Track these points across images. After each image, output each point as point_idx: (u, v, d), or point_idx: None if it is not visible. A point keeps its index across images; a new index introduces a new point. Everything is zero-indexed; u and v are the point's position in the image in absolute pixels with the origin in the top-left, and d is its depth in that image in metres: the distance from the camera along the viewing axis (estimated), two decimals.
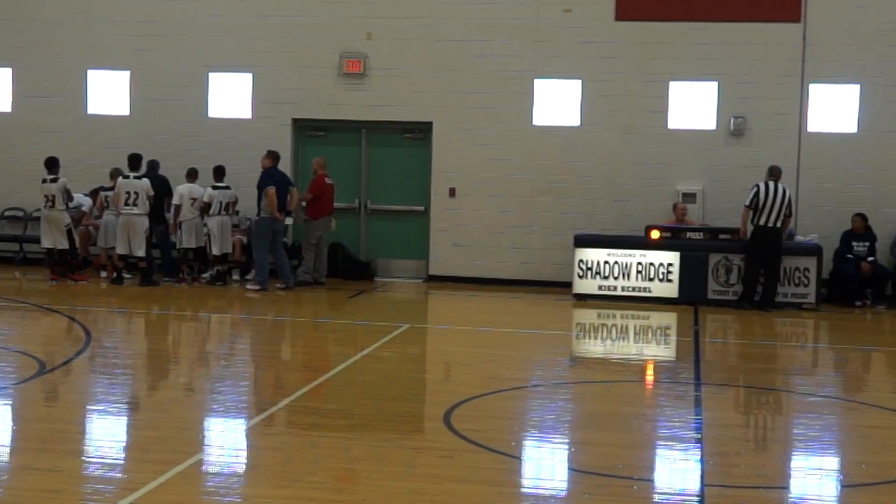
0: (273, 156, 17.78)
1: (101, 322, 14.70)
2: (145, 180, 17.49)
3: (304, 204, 18.19)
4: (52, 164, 17.51)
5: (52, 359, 11.68)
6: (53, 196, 17.29)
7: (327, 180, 18.24)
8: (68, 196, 17.55)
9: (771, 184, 16.77)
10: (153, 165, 18.18)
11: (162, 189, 17.80)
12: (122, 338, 13.88)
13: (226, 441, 8.87)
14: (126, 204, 17.30)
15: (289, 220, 17.98)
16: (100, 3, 19.74)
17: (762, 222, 16.67)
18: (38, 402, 10.01)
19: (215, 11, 19.43)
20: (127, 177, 17.46)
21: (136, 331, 14.54)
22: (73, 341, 13.09)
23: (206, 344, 13.92)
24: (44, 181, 17.40)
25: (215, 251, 17.76)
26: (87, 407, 9.95)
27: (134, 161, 17.65)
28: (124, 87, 19.76)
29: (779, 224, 16.71)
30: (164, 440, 8.55)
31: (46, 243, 17.55)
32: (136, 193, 17.32)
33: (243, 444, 8.81)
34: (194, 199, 17.82)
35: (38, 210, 18.13)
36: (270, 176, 17.55)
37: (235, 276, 18.36)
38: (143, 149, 18.28)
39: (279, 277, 17.64)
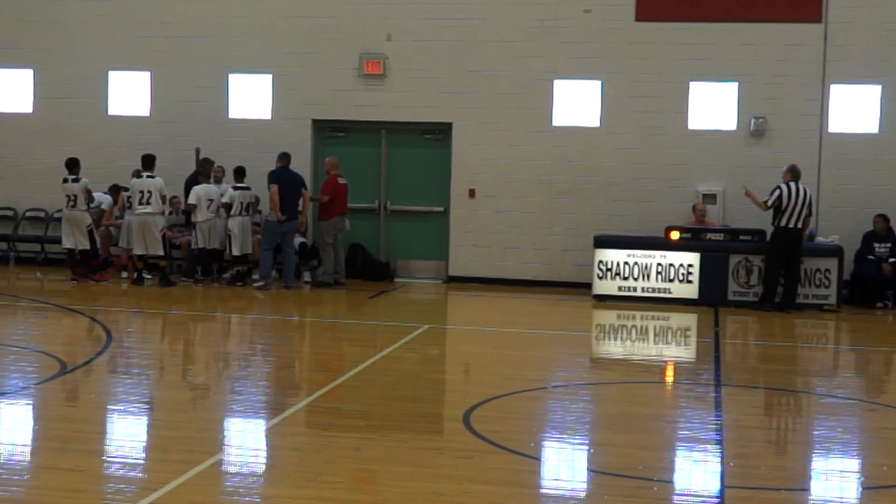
0: (282, 157, 17.83)
1: (121, 322, 14.75)
2: (158, 179, 17.55)
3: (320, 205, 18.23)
4: (73, 165, 17.58)
5: (73, 359, 11.73)
6: (75, 196, 17.36)
7: (340, 180, 18.24)
8: (89, 196, 17.62)
9: (793, 185, 16.71)
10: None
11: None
12: (142, 338, 13.92)
13: (245, 441, 8.89)
14: (140, 203, 17.36)
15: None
16: (121, 5, 19.83)
17: (784, 223, 16.61)
18: (59, 402, 10.06)
19: (235, 13, 19.49)
20: (140, 176, 17.51)
21: (156, 331, 14.58)
22: (94, 341, 13.14)
23: (225, 344, 13.95)
24: (65, 181, 17.47)
25: (235, 251, 17.82)
26: (108, 407, 9.98)
27: (147, 161, 17.68)
28: (145, 88, 19.83)
29: (800, 225, 16.66)
30: (184, 440, 8.57)
31: (67, 244, 17.62)
32: (150, 192, 17.37)
33: (263, 444, 8.83)
34: (211, 201, 17.88)
35: (60, 211, 18.20)
36: (274, 174, 17.65)
37: (255, 276, 18.38)
38: (163, 150, 18.37)
39: (283, 277, 17.72)
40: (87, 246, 17.53)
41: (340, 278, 18.30)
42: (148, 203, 17.38)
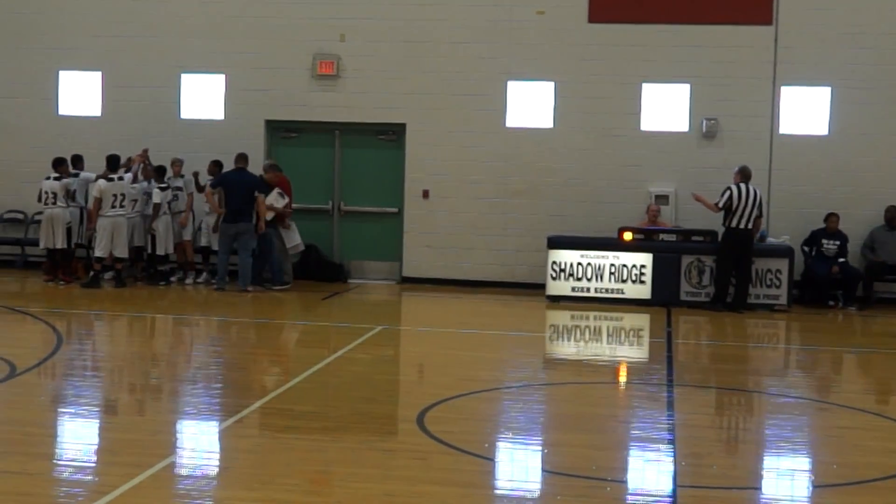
0: (237, 159, 17.77)
1: (72, 324, 14.62)
2: (126, 180, 17.44)
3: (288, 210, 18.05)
4: (57, 164, 17.60)
5: (24, 361, 11.59)
6: (55, 193, 17.28)
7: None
8: (69, 195, 17.54)
9: (743, 186, 16.85)
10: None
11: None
12: (94, 340, 13.81)
13: (198, 443, 8.85)
14: (112, 206, 17.19)
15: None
16: (71, 4, 19.64)
17: (734, 224, 16.75)
18: (8, 405, 9.93)
19: (188, 12, 19.36)
20: (111, 179, 17.32)
21: (109, 333, 14.48)
22: (45, 344, 13.00)
23: (178, 346, 13.86)
24: (46, 178, 17.42)
25: (160, 251, 17.83)
26: (59, 410, 9.89)
27: (114, 162, 17.55)
28: (96, 88, 19.66)
29: (750, 226, 16.80)
30: (136, 443, 8.51)
31: (43, 242, 17.50)
32: (123, 195, 17.25)
33: (216, 446, 8.78)
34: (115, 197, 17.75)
35: (9, 211, 18.02)
36: (218, 178, 17.81)
37: (188, 280, 18.28)
38: (115, 150, 18.17)
39: (238, 279, 17.63)
40: (64, 245, 17.41)
41: (289, 278, 18.21)
42: (121, 206, 17.25)
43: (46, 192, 17.39)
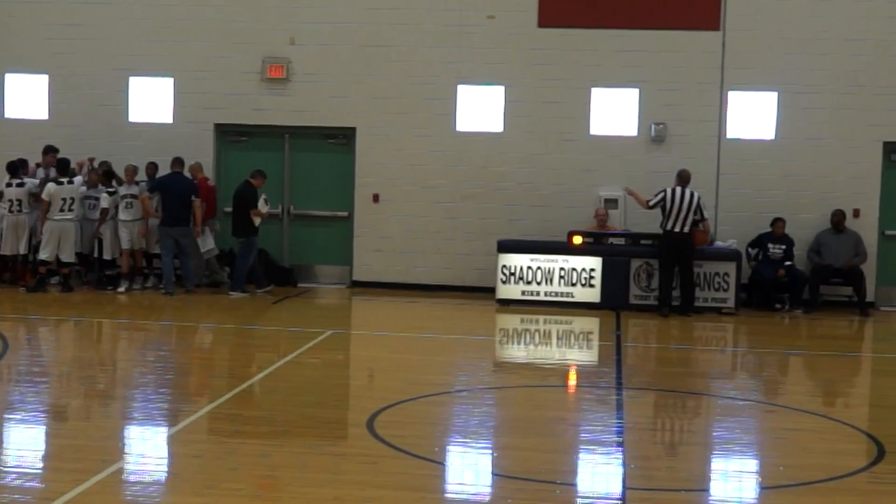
0: (173, 163, 17.79)
1: (19, 330, 14.46)
2: (76, 183, 17.30)
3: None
4: (13, 169, 17.33)
5: None
6: (20, 200, 17.10)
7: (209, 183, 18.18)
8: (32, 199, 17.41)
9: (679, 189, 16.94)
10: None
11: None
12: (40, 345, 13.67)
13: (146, 449, 8.79)
14: (61, 210, 17.03)
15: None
16: (18, 6, 19.43)
17: (668, 227, 16.83)
18: None
19: (135, 15, 19.20)
20: (60, 182, 17.16)
21: (55, 338, 14.33)
22: None
23: (127, 351, 13.75)
24: (8, 185, 17.23)
25: (107, 255, 17.67)
26: (4, 416, 9.77)
27: (64, 166, 17.37)
28: (43, 90, 19.46)
29: (686, 229, 16.84)
30: (84, 449, 8.44)
31: (6, 249, 17.31)
32: (72, 199, 17.11)
33: (164, 451, 8.73)
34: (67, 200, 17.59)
35: None
36: (156, 182, 17.81)
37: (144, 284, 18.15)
38: (63, 154, 18.00)
39: (183, 281, 17.64)
40: (26, 251, 17.28)
41: (205, 280, 18.25)
42: (70, 210, 17.10)
43: (11, 200, 17.24)
